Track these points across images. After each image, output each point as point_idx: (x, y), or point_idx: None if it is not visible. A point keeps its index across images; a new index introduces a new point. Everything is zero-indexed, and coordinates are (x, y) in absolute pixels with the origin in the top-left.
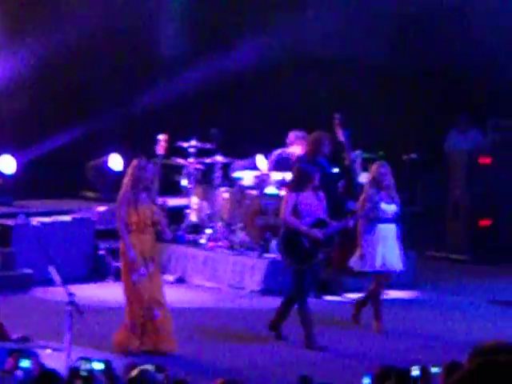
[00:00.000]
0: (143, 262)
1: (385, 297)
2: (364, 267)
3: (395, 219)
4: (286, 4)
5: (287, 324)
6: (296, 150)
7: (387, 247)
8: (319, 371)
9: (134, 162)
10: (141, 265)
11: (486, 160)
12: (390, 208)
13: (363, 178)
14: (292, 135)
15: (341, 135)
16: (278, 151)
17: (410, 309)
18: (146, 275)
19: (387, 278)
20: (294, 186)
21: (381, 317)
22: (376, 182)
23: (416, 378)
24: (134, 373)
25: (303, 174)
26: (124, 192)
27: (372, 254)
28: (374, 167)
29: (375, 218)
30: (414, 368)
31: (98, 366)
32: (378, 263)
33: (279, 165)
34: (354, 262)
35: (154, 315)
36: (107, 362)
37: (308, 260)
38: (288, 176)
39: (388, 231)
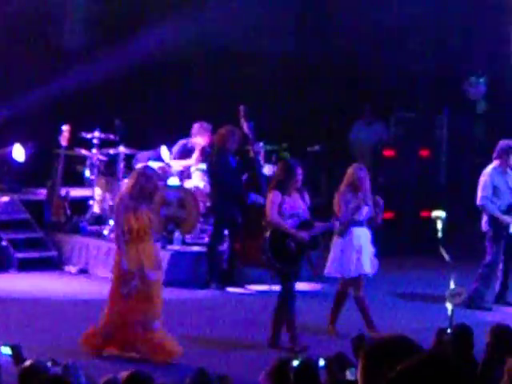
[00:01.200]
0: (139, 272)
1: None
2: (338, 273)
3: (368, 222)
4: None
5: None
6: (199, 141)
7: (361, 251)
8: (217, 363)
9: (140, 170)
10: (133, 278)
11: (389, 152)
12: (363, 211)
13: (267, 169)
14: (196, 126)
15: (245, 127)
16: (182, 142)
17: (314, 301)
18: (136, 289)
19: (358, 283)
20: (280, 185)
21: (335, 320)
22: (354, 187)
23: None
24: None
25: (288, 171)
26: (124, 199)
27: (347, 259)
28: (350, 171)
29: (351, 222)
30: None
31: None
32: (352, 268)
33: (183, 155)
34: (328, 267)
35: (154, 328)
36: (15, 347)
37: (294, 263)
38: (190, 163)
39: (362, 235)
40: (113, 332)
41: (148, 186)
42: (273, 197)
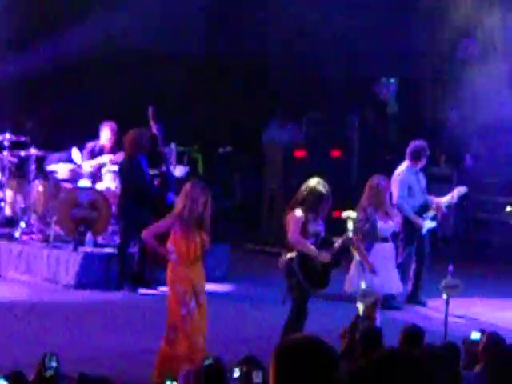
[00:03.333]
0: (193, 295)
1: None
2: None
3: (392, 238)
4: None
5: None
6: (106, 140)
7: (385, 269)
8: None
9: (188, 189)
10: (191, 299)
11: (301, 153)
12: (386, 226)
13: (178, 171)
14: (103, 127)
15: (154, 128)
16: (91, 143)
17: (225, 302)
18: (195, 309)
19: (382, 302)
20: (307, 207)
21: None
22: (374, 200)
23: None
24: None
25: (320, 199)
26: (178, 218)
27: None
28: (371, 183)
29: (373, 238)
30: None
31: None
32: (377, 287)
33: (92, 156)
34: (351, 285)
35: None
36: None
37: (324, 284)
38: (103, 159)
39: (385, 251)
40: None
41: (197, 208)
42: (298, 216)
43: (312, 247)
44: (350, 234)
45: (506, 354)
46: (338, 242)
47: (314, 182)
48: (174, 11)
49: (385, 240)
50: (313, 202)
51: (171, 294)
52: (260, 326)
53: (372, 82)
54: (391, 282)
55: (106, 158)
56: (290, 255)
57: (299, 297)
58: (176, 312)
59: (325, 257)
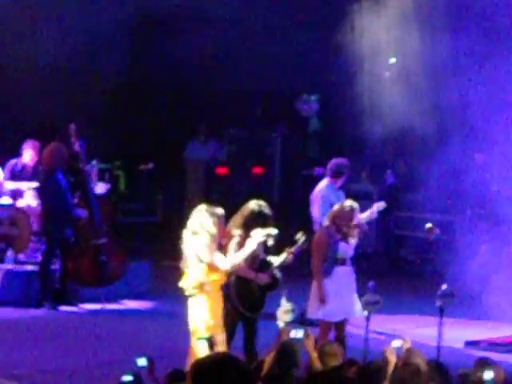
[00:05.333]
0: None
1: (120, 307)
2: (327, 317)
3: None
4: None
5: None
6: (29, 159)
7: (346, 293)
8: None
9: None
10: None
11: (222, 170)
12: (348, 248)
13: (99, 188)
14: (26, 145)
15: (76, 145)
16: (13, 161)
17: (146, 319)
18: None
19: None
20: (244, 227)
21: None
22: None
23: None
24: None
25: (258, 214)
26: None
27: (333, 302)
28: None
29: (333, 261)
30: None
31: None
32: (339, 312)
33: (14, 175)
34: (313, 310)
35: None
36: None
37: (259, 308)
38: (23, 185)
39: (346, 274)
40: None
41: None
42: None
43: (249, 271)
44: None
45: None
46: (275, 263)
47: (251, 203)
48: (97, 26)
49: (345, 263)
50: (250, 222)
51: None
52: (180, 341)
53: (294, 99)
54: (354, 305)
55: (23, 186)
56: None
57: (231, 321)
58: None
59: (263, 279)
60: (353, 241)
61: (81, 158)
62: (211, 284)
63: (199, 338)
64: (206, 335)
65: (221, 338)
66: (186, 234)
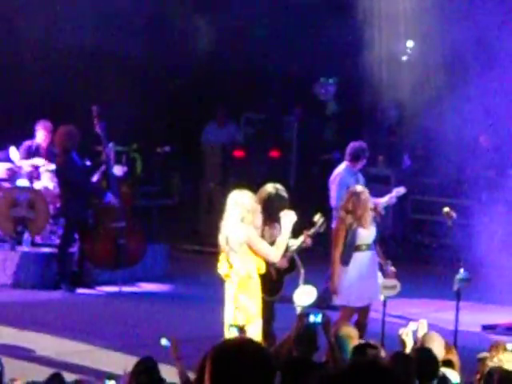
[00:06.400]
0: None
1: (137, 290)
2: (351, 303)
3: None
4: None
5: None
6: (41, 140)
7: (366, 278)
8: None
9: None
10: None
11: (239, 153)
12: (368, 234)
13: (116, 170)
14: (38, 125)
15: (98, 127)
16: (28, 142)
17: (163, 302)
18: None
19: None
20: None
21: None
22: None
23: None
24: None
25: (275, 197)
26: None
27: (350, 288)
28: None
29: (355, 248)
30: None
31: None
32: (363, 297)
33: (28, 157)
34: (337, 295)
35: None
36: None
37: (277, 291)
38: (39, 162)
39: (368, 260)
40: None
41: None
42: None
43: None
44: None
45: None
46: (293, 247)
47: (268, 187)
48: (114, 7)
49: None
50: (265, 207)
51: None
52: (197, 325)
53: (311, 82)
54: (378, 290)
55: (40, 162)
56: None
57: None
58: None
59: (281, 263)
60: (371, 226)
61: (102, 140)
62: (256, 272)
63: (231, 326)
64: (240, 323)
65: (257, 326)
66: (229, 219)
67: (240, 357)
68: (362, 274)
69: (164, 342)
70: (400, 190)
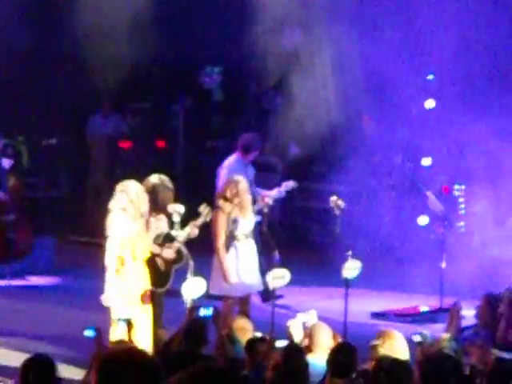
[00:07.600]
0: None
1: (26, 283)
2: (232, 292)
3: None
4: None
5: None
6: None
7: (248, 267)
8: None
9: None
10: None
11: (125, 144)
12: (247, 223)
13: (3, 162)
14: None
15: None
16: None
17: (50, 295)
18: None
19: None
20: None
21: None
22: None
23: None
24: None
25: (160, 188)
26: None
27: (236, 277)
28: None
29: (233, 237)
30: None
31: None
32: (243, 287)
33: None
34: (216, 285)
35: None
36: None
37: (165, 283)
38: None
39: (247, 249)
40: None
41: None
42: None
43: (155, 245)
44: (177, 227)
45: None
46: (179, 237)
47: (152, 178)
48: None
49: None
50: (151, 199)
51: None
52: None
53: (196, 70)
54: (257, 279)
55: None
56: None
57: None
58: None
59: (168, 254)
60: (250, 215)
61: None
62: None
63: (118, 320)
64: (125, 316)
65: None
66: (112, 209)
67: (126, 368)
68: (241, 264)
69: (87, 332)
70: (289, 184)
